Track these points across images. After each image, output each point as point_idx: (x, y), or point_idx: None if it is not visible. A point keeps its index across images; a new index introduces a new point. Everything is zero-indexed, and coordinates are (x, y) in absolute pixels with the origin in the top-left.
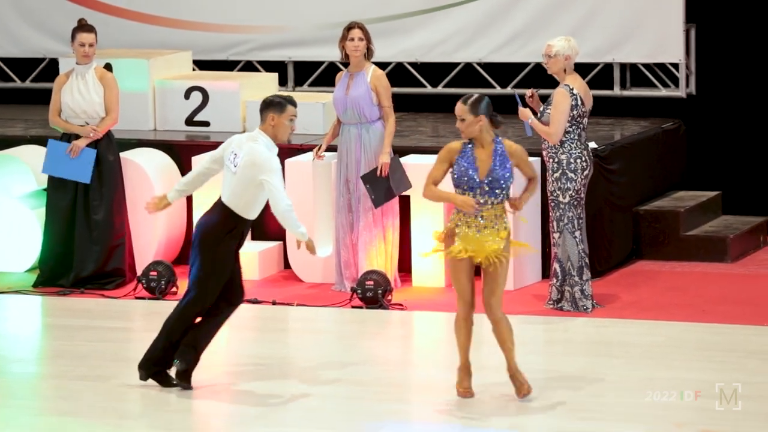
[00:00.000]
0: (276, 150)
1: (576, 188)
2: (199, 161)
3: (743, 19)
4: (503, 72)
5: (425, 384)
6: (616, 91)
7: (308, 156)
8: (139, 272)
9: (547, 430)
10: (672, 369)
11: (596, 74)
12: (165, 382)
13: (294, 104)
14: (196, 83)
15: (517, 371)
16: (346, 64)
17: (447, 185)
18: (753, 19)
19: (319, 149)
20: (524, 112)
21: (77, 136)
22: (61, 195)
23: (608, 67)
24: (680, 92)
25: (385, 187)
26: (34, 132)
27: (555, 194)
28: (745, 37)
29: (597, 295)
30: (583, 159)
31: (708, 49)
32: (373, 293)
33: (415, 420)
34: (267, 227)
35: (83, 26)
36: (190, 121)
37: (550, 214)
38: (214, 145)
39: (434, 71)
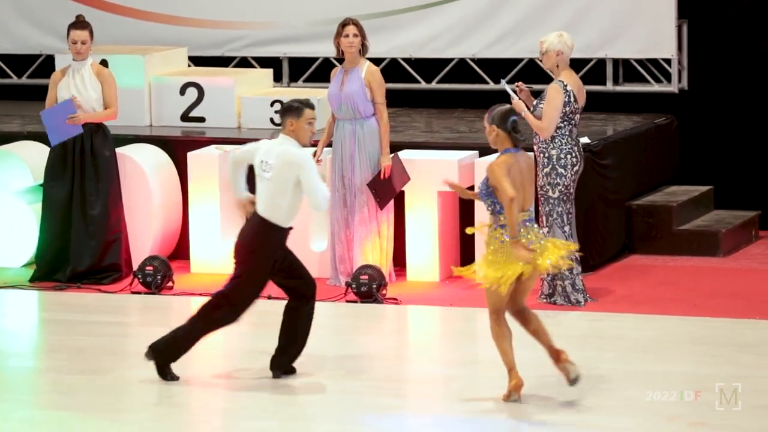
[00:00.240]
0: (305, 150)
1: (566, 183)
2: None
3: (735, 14)
4: (497, 68)
5: (421, 378)
6: (609, 86)
7: None
8: (135, 267)
9: (542, 422)
10: (665, 363)
11: (589, 70)
12: (163, 374)
13: (311, 107)
14: (192, 79)
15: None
16: (340, 60)
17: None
18: (745, 14)
19: (314, 155)
20: (518, 105)
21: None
22: (57, 190)
23: (601, 62)
24: (673, 88)
25: (388, 188)
26: (30, 128)
27: (545, 189)
28: (737, 32)
29: (590, 289)
30: (574, 155)
31: (700, 44)
32: (367, 288)
33: (412, 414)
34: None
35: (76, 23)
36: (185, 117)
37: (540, 208)
38: (209, 141)
39: (428, 67)
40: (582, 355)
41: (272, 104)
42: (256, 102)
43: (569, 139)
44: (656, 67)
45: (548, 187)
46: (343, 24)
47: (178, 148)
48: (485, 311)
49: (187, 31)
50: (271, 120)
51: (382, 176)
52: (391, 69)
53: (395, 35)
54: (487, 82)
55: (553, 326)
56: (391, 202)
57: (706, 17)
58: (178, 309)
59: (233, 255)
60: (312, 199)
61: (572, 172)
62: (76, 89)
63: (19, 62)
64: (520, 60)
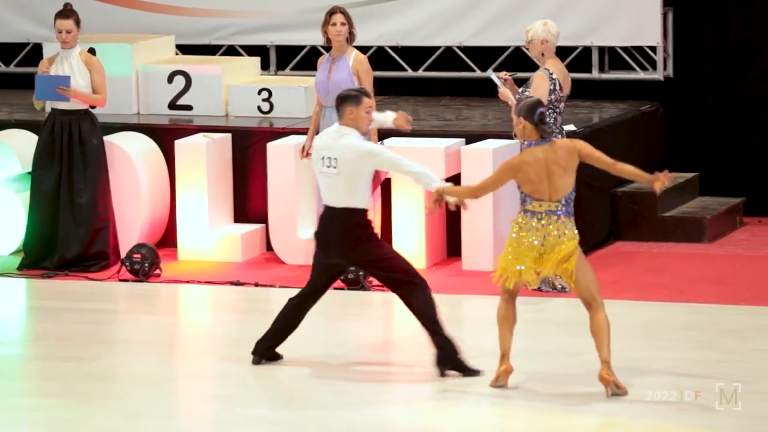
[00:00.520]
0: (367, 141)
1: None
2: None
3: (719, 2)
4: (483, 56)
5: (407, 364)
6: (595, 74)
7: (290, 139)
8: (122, 255)
9: (528, 407)
10: (650, 348)
11: (575, 57)
12: (275, 357)
13: (369, 95)
14: (179, 67)
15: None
16: (327, 49)
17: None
18: (729, 2)
19: (303, 149)
20: (504, 93)
21: (63, 113)
22: (45, 178)
23: (587, 50)
24: (658, 75)
25: (375, 175)
26: (18, 116)
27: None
28: (721, 20)
29: None
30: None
31: (685, 32)
32: (354, 275)
33: (399, 400)
34: (249, 210)
35: (61, 12)
36: (173, 105)
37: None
38: (197, 129)
39: (415, 55)
40: (568, 340)
41: (259, 92)
42: (244, 90)
43: (555, 127)
44: (642, 55)
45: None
46: (331, 12)
47: (165, 136)
48: (471, 297)
49: (174, 20)
50: (259, 108)
51: None
52: (378, 57)
53: (382, 23)
54: (473, 70)
55: (538, 313)
56: (378, 189)
57: (691, 5)
58: (166, 296)
59: (342, 258)
60: (411, 177)
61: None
62: None
63: (6, 51)
64: (506, 48)
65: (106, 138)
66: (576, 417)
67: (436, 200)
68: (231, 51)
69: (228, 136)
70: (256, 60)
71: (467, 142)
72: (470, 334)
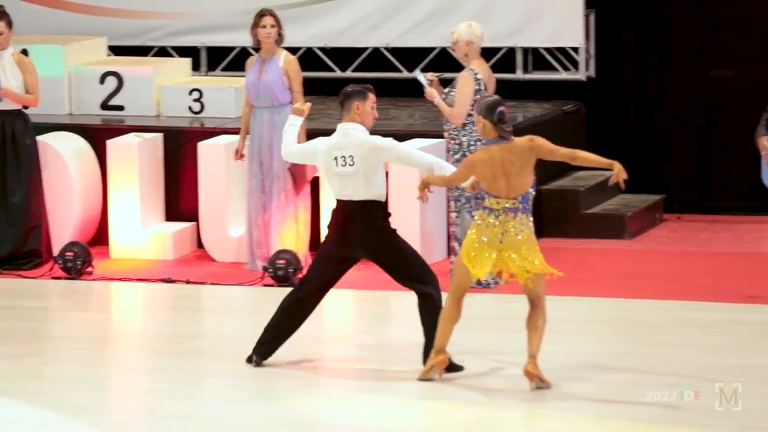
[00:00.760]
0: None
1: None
2: (295, 151)
3: (639, 4)
4: (410, 56)
5: (336, 359)
6: (519, 74)
7: (221, 139)
8: (55, 253)
9: (454, 398)
10: (573, 343)
11: (499, 58)
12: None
13: (373, 91)
14: (111, 68)
15: None
16: (257, 50)
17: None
18: (648, 3)
19: (237, 151)
20: (430, 93)
21: None
22: None
23: (511, 51)
24: (580, 75)
25: (303, 174)
26: None
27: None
28: (640, 21)
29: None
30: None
31: (606, 33)
32: (284, 272)
33: (328, 394)
34: (180, 208)
35: None
36: (105, 105)
37: (448, 194)
38: (129, 129)
39: (343, 56)
40: (493, 336)
41: (190, 93)
42: (175, 90)
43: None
44: (564, 56)
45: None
46: (260, 15)
47: (98, 136)
48: (398, 294)
49: (106, 21)
50: (190, 108)
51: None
52: (308, 58)
53: (311, 25)
54: (400, 71)
55: (465, 309)
56: (307, 188)
57: (612, 7)
58: (99, 294)
59: (367, 253)
60: (419, 168)
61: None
62: None
63: None
64: (432, 49)
65: (38, 138)
66: (504, 411)
67: (422, 188)
68: (162, 52)
69: (159, 135)
70: (187, 61)
71: None
72: (397, 330)
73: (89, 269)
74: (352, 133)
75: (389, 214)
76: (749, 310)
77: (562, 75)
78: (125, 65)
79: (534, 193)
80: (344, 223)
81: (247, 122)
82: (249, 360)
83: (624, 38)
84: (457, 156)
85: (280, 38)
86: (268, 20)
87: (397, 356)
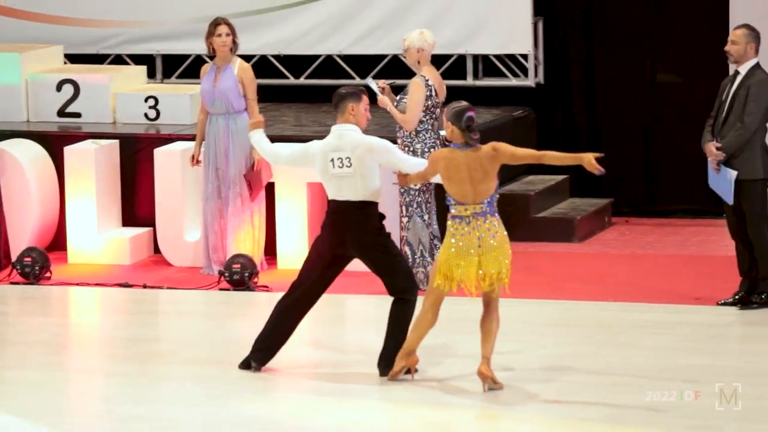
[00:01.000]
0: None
1: None
2: (280, 153)
3: (586, 11)
4: (362, 63)
5: (291, 361)
6: (469, 81)
7: (176, 145)
8: (13, 258)
9: (407, 402)
10: (525, 345)
11: (450, 65)
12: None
13: (366, 93)
14: (68, 76)
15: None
16: (212, 57)
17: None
18: (594, 11)
19: (193, 157)
20: (383, 100)
21: None
22: None
23: (461, 58)
24: (529, 82)
25: (259, 180)
26: None
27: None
28: (587, 28)
29: None
30: (436, 148)
31: (554, 40)
32: (240, 276)
33: (282, 396)
34: (137, 214)
35: None
36: (62, 113)
37: (400, 199)
38: (86, 136)
39: (296, 63)
40: (444, 338)
41: (146, 100)
42: (131, 98)
43: (432, 132)
44: (514, 63)
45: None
46: (215, 24)
47: (55, 143)
48: (353, 297)
49: (62, 30)
50: (146, 115)
51: (254, 168)
52: (261, 65)
53: (264, 33)
54: (353, 78)
55: (415, 311)
56: (263, 193)
57: (560, 15)
58: (57, 299)
59: (363, 254)
60: (406, 169)
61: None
62: None
63: None
64: (384, 56)
65: None
66: (457, 411)
67: (402, 178)
68: (118, 60)
69: (116, 142)
70: (143, 69)
71: None
72: (352, 332)
73: (47, 274)
74: (347, 134)
75: (383, 216)
76: (695, 311)
77: (512, 81)
78: (81, 73)
79: (498, 196)
80: (340, 224)
81: (202, 129)
82: (246, 366)
83: (571, 45)
84: None
85: (234, 46)
86: (223, 29)
87: (354, 359)
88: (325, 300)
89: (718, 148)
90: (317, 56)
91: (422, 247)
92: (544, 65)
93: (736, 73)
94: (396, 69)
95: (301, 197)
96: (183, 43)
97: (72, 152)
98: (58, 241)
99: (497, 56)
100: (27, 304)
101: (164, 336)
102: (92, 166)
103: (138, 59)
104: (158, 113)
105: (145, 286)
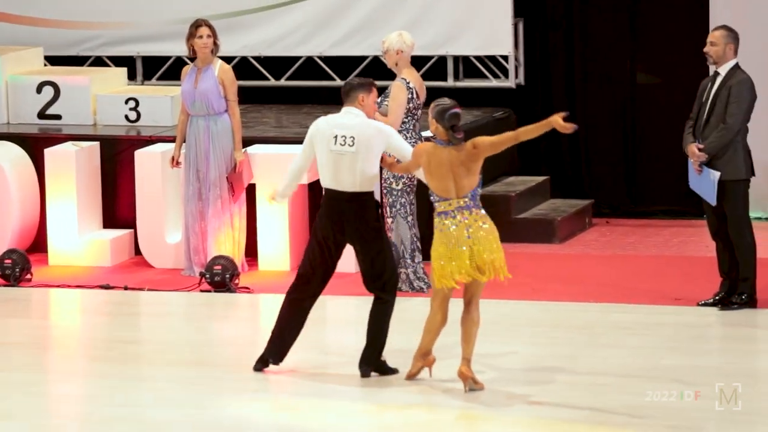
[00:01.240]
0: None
1: (409, 176)
2: (291, 168)
3: (566, 13)
4: (343, 65)
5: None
6: (450, 82)
7: (157, 147)
8: None
9: (388, 403)
10: (506, 345)
11: (431, 66)
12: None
13: (376, 86)
14: (48, 78)
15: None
16: (192, 59)
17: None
18: (574, 12)
19: (173, 159)
20: None
21: None
22: None
23: (442, 59)
24: (510, 83)
25: (240, 181)
26: None
27: (389, 182)
28: (567, 29)
29: None
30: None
31: (535, 41)
32: (221, 277)
33: (263, 397)
34: (118, 215)
35: None
36: (42, 115)
37: (383, 200)
38: (66, 138)
39: (277, 65)
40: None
41: (127, 102)
42: (111, 99)
43: (413, 133)
44: (494, 64)
45: (392, 179)
46: (196, 25)
47: (35, 145)
48: (334, 299)
49: (42, 32)
50: (126, 117)
51: (236, 170)
52: (242, 67)
53: (245, 35)
54: (334, 79)
55: (399, 312)
56: (243, 195)
57: (540, 16)
58: (37, 300)
59: (361, 243)
60: (403, 157)
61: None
62: None
63: None
64: (364, 57)
65: None
66: (438, 412)
67: (387, 162)
68: (98, 62)
69: (96, 144)
70: (123, 70)
71: None
72: (333, 333)
73: (28, 276)
74: (356, 117)
75: (379, 204)
76: (675, 312)
77: (492, 82)
78: (62, 75)
79: (480, 191)
80: (337, 213)
81: (183, 130)
82: (263, 364)
83: (552, 46)
84: None
85: (215, 48)
86: (203, 30)
87: (335, 360)
88: None
89: (700, 149)
90: (298, 58)
91: (404, 248)
92: (524, 66)
93: (716, 74)
94: (377, 70)
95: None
96: (163, 45)
97: (52, 154)
98: (38, 243)
99: (478, 57)
100: (7, 305)
101: (145, 338)
102: (73, 168)
103: (118, 61)
104: (139, 115)
105: (126, 288)
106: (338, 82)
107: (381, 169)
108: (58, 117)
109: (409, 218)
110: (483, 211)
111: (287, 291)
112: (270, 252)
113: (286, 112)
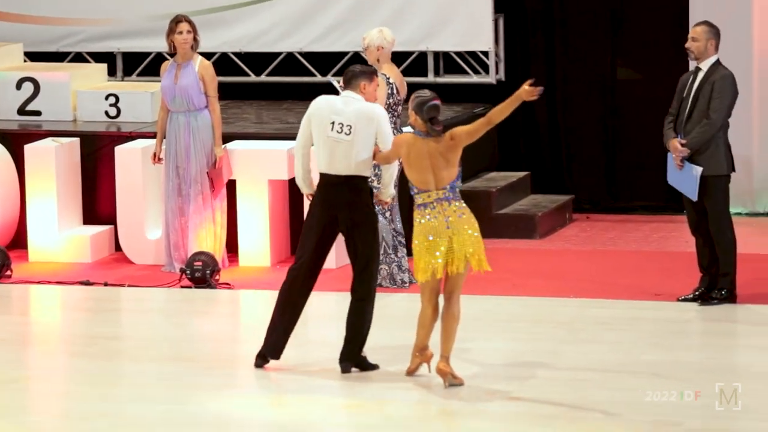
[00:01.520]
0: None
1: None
2: (296, 150)
3: (546, 8)
4: (323, 61)
5: (253, 358)
6: (431, 78)
7: (137, 143)
8: None
9: (367, 399)
10: (485, 340)
11: (411, 62)
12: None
13: (377, 75)
14: (28, 74)
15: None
16: (172, 55)
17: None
18: (555, 8)
19: (155, 155)
20: None
21: None
22: None
23: (422, 55)
24: (490, 78)
25: (220, 177)
26: None
27: (371, 179)
28: (548, 25)
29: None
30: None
31: (515, 37)
32: (201, 273)
33: (243, 392)
34: (98, 211)
35: None
36: (22, 111)
37: None
38: (46, 134)
39: (257, 61)
40: (408, 334)
41: (107, 97)
42: (91, 95)
43: (394, 130)
44: (475, 59)
45: (373, 177)
46: (176, 21)
47: (15, 141)
48: (313, 294)
49: (22, 28)
50: (106, 113)
51: (216, 166)
52: (222, 63)
53: (225, 30)
54: (314, 75)
55: (381, 309)
56: (224, 190)
57: (520, 12)
58: (17, 297)
59: (356, 229)
60: (384, 148)
61: (398, 162)
62: None
63: None
64: (345, 53)
65: None
66: (418, 408)
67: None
68: (78, 58)
69: (76, 140)
70: (103, 66)
71: None
72: (314, 329)
73: (7, 273)
74: (354, 102)
75: (371, 191)
76: (655, 307)
77: (473, 78)
78: (41, 71)
79: (460, 183)
80: (332, 201)
81: (163, 126)
82: (262, 360)
83: (532, 42)
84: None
85: (195, 43)
86: (184, 26)
87: (315, 356)
88: None
89: (683, 145)
90: (278, 54)
91: (385, 244)
92: (504, 62)
93: (697, 69)
94: None
95: (263, 194)
96: (143, 41)
97: (32, 150)
98: (18, 240)
99: (458, 53)
100: None
101: (126, 333)
102: (52, 165)
103: (98, 57)
104: (119, 111)
105: (106, 284)
106: (319, 78)
107: None
108: (37, 113)
109: (387, 214)
110: (463, 203)
111: (282, 283)
112: (250, 248)
113: (267, 108)
